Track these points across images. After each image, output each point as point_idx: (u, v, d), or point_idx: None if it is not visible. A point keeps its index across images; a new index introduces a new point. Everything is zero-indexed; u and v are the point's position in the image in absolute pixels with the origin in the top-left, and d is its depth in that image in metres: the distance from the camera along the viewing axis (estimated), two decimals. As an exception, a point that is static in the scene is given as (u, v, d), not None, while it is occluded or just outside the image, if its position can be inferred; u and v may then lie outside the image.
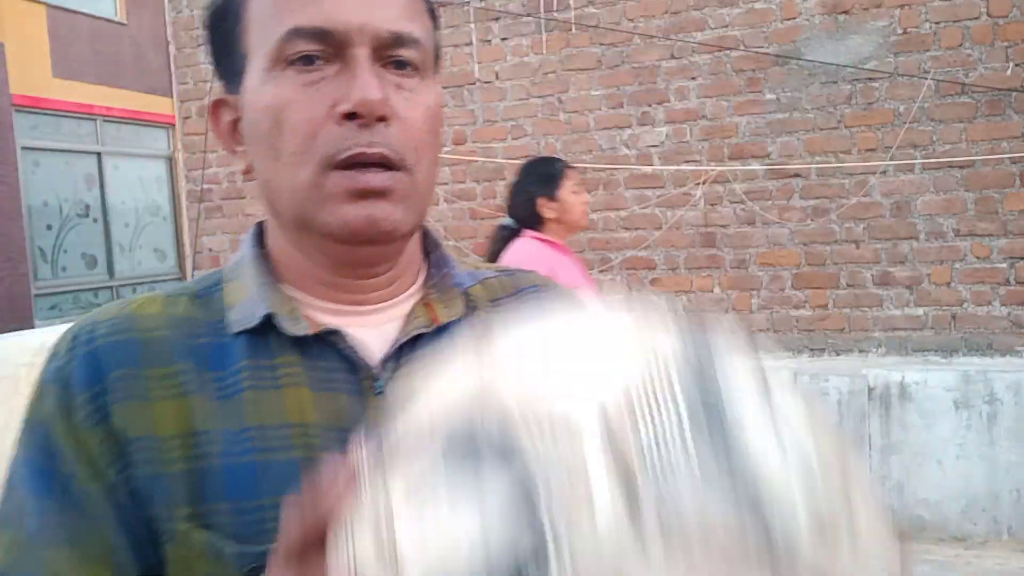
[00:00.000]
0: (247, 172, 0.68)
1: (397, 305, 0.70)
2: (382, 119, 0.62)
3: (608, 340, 0.44)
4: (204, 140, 6.00)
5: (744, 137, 4.60)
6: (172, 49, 6.09)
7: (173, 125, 6.40)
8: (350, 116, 0.61)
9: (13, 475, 0.64)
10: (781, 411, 0.43)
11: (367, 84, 0.61)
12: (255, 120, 0.65)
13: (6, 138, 8.81)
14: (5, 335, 4.76)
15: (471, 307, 0.74)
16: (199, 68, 5.98)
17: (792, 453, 0.41)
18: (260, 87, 0.64)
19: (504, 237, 2.86)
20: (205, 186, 6.05)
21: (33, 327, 7.59)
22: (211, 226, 6.07)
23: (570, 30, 4.91)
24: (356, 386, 0.65)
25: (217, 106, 0.69)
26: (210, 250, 6.09)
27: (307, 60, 0.62)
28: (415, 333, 0.68)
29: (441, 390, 0.45)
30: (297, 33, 0.62)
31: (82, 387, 0.63)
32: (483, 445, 0.40)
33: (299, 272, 0.68)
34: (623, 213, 4.85)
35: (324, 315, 0.67)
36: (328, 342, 0.66)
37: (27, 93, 9.14)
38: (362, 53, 0.62)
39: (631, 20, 4.78)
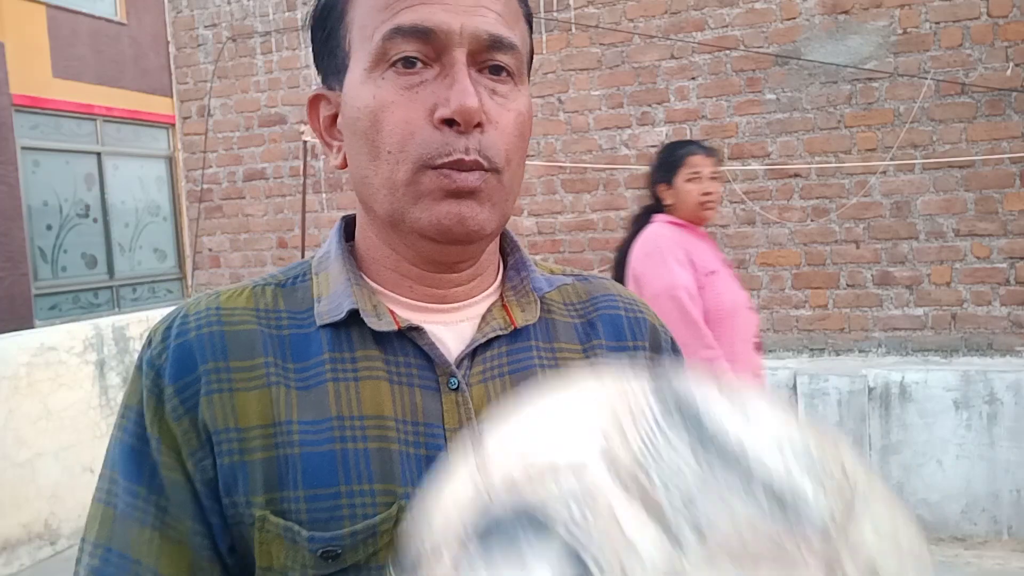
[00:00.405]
0: (343, 166, 0.70)
1: (475, 305, 0.72)
2: (478, 126, 0.64)
3: (586, 394, 0.46)
4: (204, 140, 6.00)
5: (744, 137, 4.60)
6: (172, 49, 6.09)
7: (173, 125, 6.41)
8: (448, 122, 0.63)
9: (110, 453, 0.67)
10: (760, 415, 0.44)
11: (466, 91, 0.62)
12: (355, 118, 0.67)
13: (6, 138, 8.81)
14: (5, 335, 4.76)
15: (547, 311, 0.75)
16: (199, 68, 5.98)
17: (787, 447, 0.42)
18: (361, 86, 0.66)
19: (641, 218, 2.84)
20: (205, 186, 6.05)
21: (33, 327, 7.59)
22: (211, 226, 6.07)
23: (570, 30, 4.91)
24: (433, 382, 0.68)
25: (316, 100, 0.74)
26: (210, 250, 6.09)
27: (408, 63, 0.64)
28: (492, 335, 0.70)
29: (449, 500, 0.46)
30: (399, 32, 0.63)
31: (173, 379, 0.65)
32: (509, 526, 0.41)
33: (384, 267, 0.71)
34: (623, 213, 4.85)
35: (405, 311, 0.70)
36: (408, 338, 0.68)
37: (27, 93, 9.13)
38: (461, 56, 0.63)
39: (631, 20, 4.78)
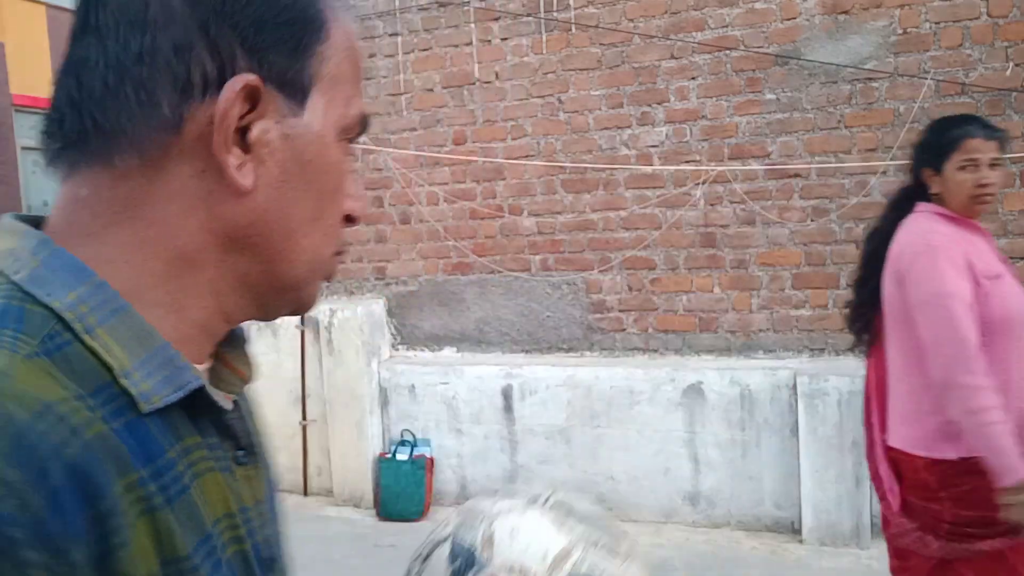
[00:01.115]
0: (250, 191, 0.54)
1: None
2: None
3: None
4: (204, 140, 6.01)
5: (744, 137, 4.60)
6: (172, 49, 6.09)
7: (173, 125, 6.43)
8: (351, 218, 0.63)
9: None
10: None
11: (364, 195, 0.61)
12: (318, 168, 0.57)
13: (6, 138, 8.81)
14: (5, 335, 4.75)
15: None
16: (199, 68, 5.99)
17: None
18: (330, 140, 0.57)
19: (900, 204, 2.41)
20: (205, 186, 6.05)
21: (33, 327, 7.57)
22: (211, 226, 6.07)
23: (570, 30, 4.91)
24: (227, 459, 0.57)
25: (254, 92, 0.53)
26: (210, 250, 6.09)
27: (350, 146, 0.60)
28: (235, 394, 0.60)
29: None
30: (365, 119, 0.60)
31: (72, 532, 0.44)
32: None
33: (181, 321, 0.54)
34: (623, 213, 4.85)
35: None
36: (214, 411, 0.56)
37: (27, 93, 9.13)
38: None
39: (631, 20, 4.78)
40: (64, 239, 0.52)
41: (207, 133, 0.52)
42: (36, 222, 0.54)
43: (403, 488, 4.91)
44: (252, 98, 0.53)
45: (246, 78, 0.52)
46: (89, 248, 0.52)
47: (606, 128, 4.86)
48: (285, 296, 0.59)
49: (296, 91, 0.55)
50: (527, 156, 5.03)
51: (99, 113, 0.51)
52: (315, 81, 0.56)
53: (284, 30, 0.54)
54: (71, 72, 0.52)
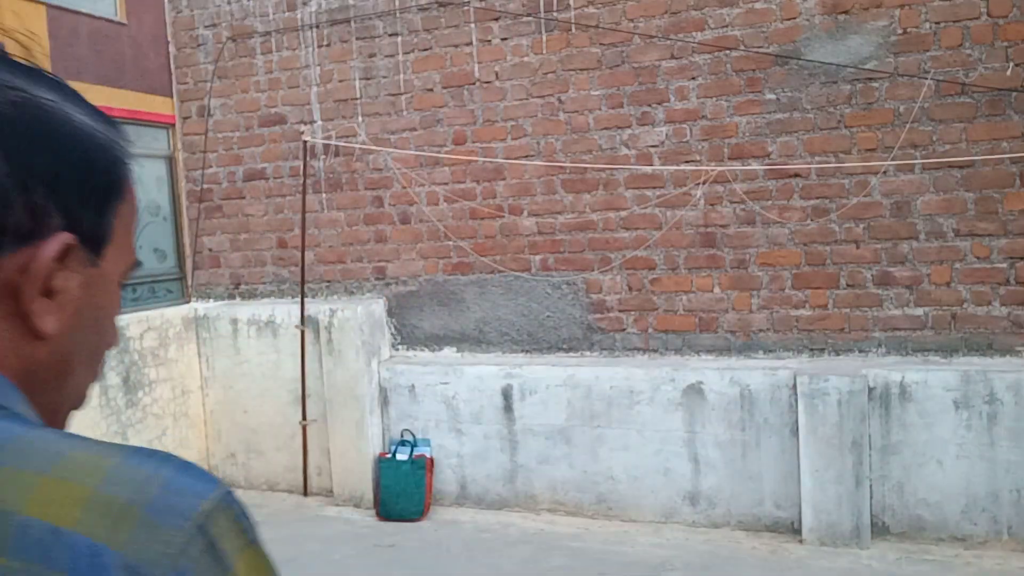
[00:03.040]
0: (46, 337, 0.57)
1: None
2: None
3: None
4: (204, 140, 6.00)
5: (744, 137, 4.60)
6: (172, 49, 6.09)
7: (173, 125, 6.40)
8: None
9: None
10: None
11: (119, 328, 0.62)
12: (104, 308, 0.63)
13: (6, 138, 8.82)
14: (5, 335, 4.76)
15: None
16: (199, 68, 5.98)
17: None
18: (114, 283, 0.64)
19: None
20: (205, 186, 6.05)
21: (33, 327, 7.59)
22: (211, 226, 6.07)
23: (570, 30, 4.91)
24: None
25: (68, 251, 0.56)
26: (210, 250, 6.09)
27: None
28: None
29: None
30: (135, 266, 0.67)
31: None
32: None
33: None
34: (623, 213, 4.85)
35: None
36: None
37: (27, 93, 9.14)
38: None
39: (631, 20, 4.78)
40: None
41: (15, 280, 0.55)
42: None
43: (403, 488, 4.91)
44: (64, 254, 0.56)
45: (64, 238, 0.56)
46: None
47: (606, 128, 4.86)
48: (63, 418, 0.62)
49: (97, 244, 0.60)
50: (527, 156, 5.03)
51: None
52: (111, 234, 0.61)
53: (95, 194, 0.59)
54: None
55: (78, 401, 0.63)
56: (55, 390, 0.60)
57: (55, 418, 0.60)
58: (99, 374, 0.65)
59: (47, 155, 0.57)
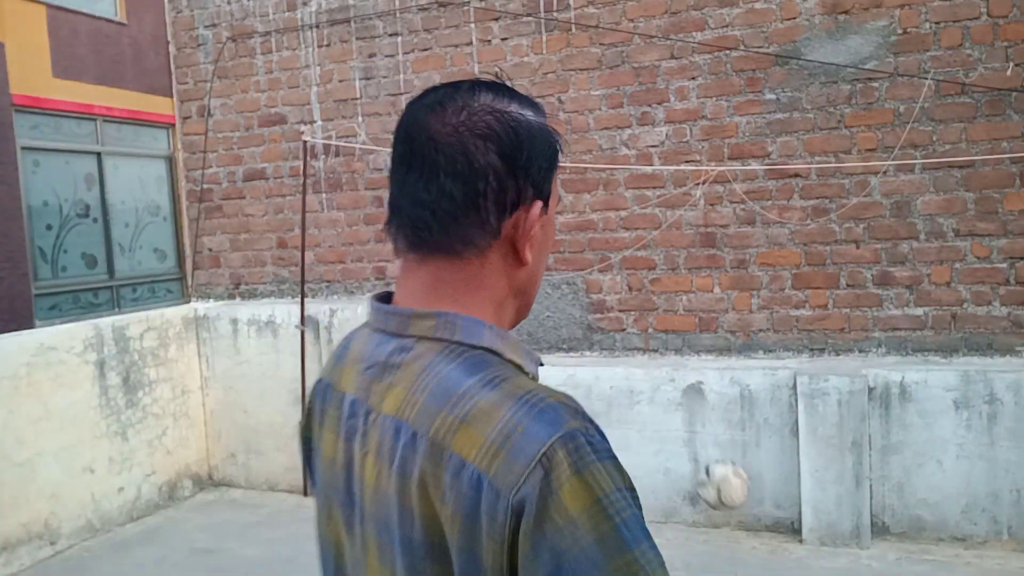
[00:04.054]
0: (526, 264, 0.90)
1: None
2: None
3: None
4: (204, 140, 6.00)
5: (744, 137, 4.60)
6: (172, 49, 6.09)
7: (173, 125, 6.40)
8: None
9: (637, 529, 0.73)
10: None
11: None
12: (548, 238, 0.94)
13: (6, 138, 8.81)
14: (5, 335, 4.76)
15: None
16: (199, 68, 5.98)
17: None
18: (552, 220, 0.94)
19: None
20: (205, 186, 6.05)
21: (33, 327, 7.59)
22: (211, 226, 6.07)
23: (570, 30, 4.91)
24: None
25: (535, 207, 0.88)
26: (210, 250, 6.09)
27: None
28: None
29: None
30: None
31: None
32: None
33: None
34: (623, 213, 4.85)
35: None
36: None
37: (27, 93, 9.13)
38: None
39: (631, 20, 4.78)
40: (440, 306, 0.86)
41: (511, 233, 0.87)
42: (386, 297, 0.93)
43: (403, 488, 4.90)
44: (535, 207, 0.88)
45: (539, 204, 0.88)
46: (462, 308, 0.86)
47: (606, 128, 4.86)
48: (526, 312, 0.96)
49: (545, 199, 0.90)
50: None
51: (453, 231, 0.85)
52: (550, 192, 0.92)
53: (549, 170, 0.91)
54: (419, 205, 0.85)
55: (527, 308, 0.96)
56: (524, 295, 0.93)
57: (520, 316, 0.94)
58: (538, 284, 0.96)
59: (523, 152, 0.87)
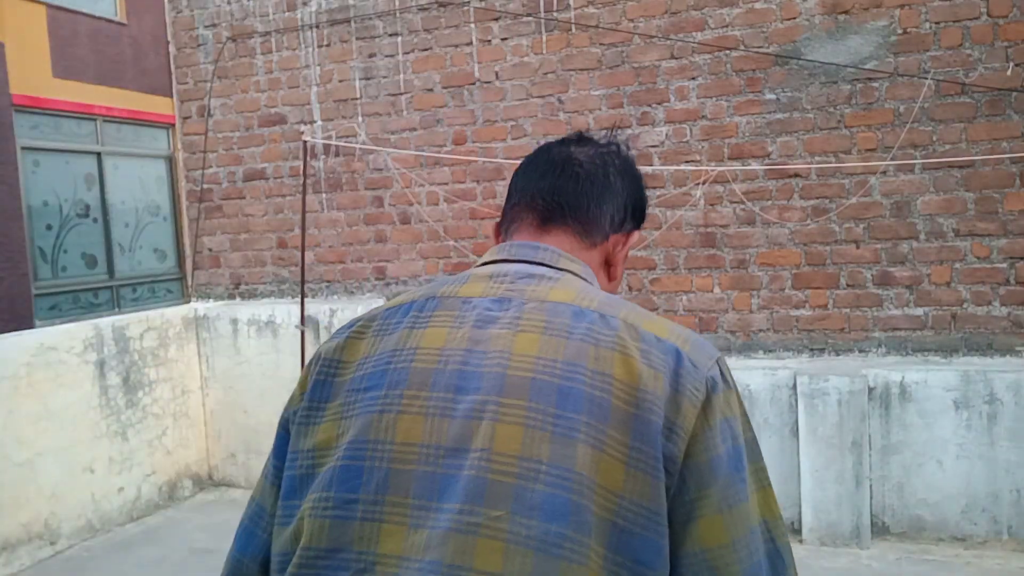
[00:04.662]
0: (613, 278, 1.10)
1: None
2: None
3: None
4: (204, 140, 6.00)
5: (744, 137, 4.60)
6: (172, 49, 6.09)
7: (173, 125, 6.40)
8: None
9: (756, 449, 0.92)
10: None
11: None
12: (625, 263, 1.13)
13: (6, 138, 8.81)
14: (5, 335, 4.76)
15: None
16: (199, 68, 5.98)
17: None
18: (627, 254, 1.13)
19: None
20: (205, 186, 6.05)
21: (33, 327, 7.59)
22: (211, 226, 6.07)
23: (570, 30, 4.91)
24: None
25: (634, 235, 1.12)
26: (210, 250, 6.09)
27: None
28: None
29: None
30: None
31: None
32: None
33: None
34: (623, 213, 4.85)
35: None
36: None
37: (27, 93, 9.13)
38: None
39: (631, 20, 4.78)
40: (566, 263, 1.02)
41: (611, 247, 1.08)
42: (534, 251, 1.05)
43: (403, 488, 4.90)
44: (629, 236, 1.11)
45: (638, 232, 1.13)
46: (579, 266, 1.03)
47: (606, 128, 4.85)
48: None
49: (634, 225, 1.12)
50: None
51: (589, 218, 1.05)
52: (632, 225, 1.12)
53: (641, 213, 1.13)
54: (556, 191, 1.05)
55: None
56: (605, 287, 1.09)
57: None
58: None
59: (635, 188, 1.11)
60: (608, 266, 1.08)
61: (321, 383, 0.94)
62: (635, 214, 1.11)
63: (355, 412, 0.89)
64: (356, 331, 0.96)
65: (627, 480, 0.79)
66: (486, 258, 1.03)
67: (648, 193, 1.14)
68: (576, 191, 1.04)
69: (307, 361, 0.94)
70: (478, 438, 0.82)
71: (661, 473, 0.79)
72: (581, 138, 1.12)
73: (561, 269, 0.99)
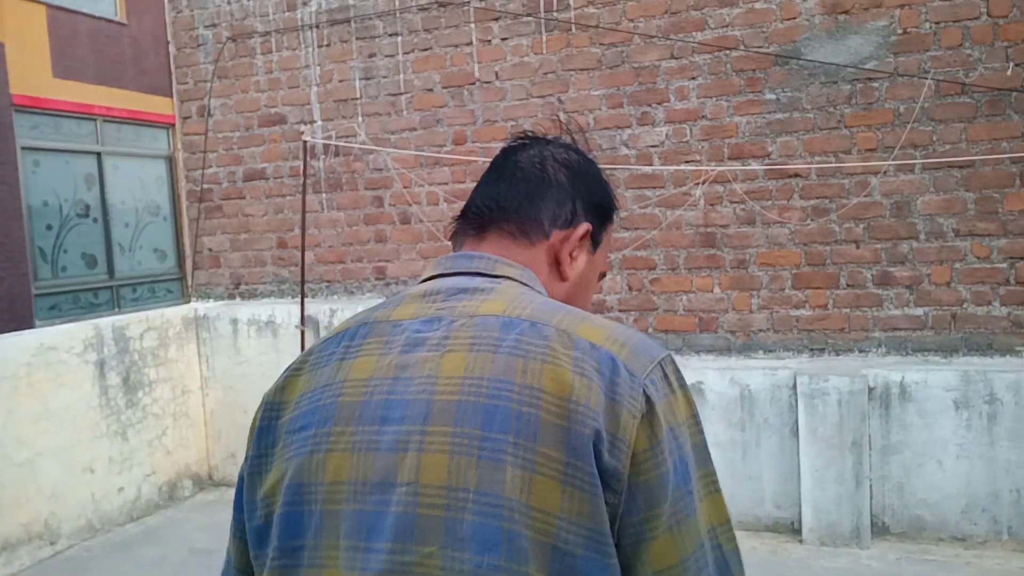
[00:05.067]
0: (565, 279, 1.03)
1: None
2: None
3: None
4: (204, 140, 6.00)
5: (744, 137, 4.60)
6: (172, 49, 6.09)
7: (173, 125, 6.40)
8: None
9: (703, 453, 0.85)
10: None
11: (602, 281, 1.12)
12: (589, 279, 1.06)
13: (6, 138, 8.81)
14: (5, 335, 4.76)
15: None
16: (199, 68, 5.98)
17: None
18: (595, 271, 1.08)
19: None
20: (205, 186, 6.05)
21: (33, 327, 7.59)
22: (211, 226, 6.07)
23: (570, 30, 4.91)
24: None
25: (587, 232, 1.03)
26: (210, 250, 6.09)
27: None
28: None
29: None
30: (604, 275, 1.16)
31: None
32: None
33: None
34: (623, 213, 4.85)
35: None
36: None
37: (27, 93, 9.13)
38: None
39: (631, 20, 4.78)
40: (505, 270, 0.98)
41: (558, 245, 1.01)
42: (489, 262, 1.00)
43: (403, 488, 4.90)
44: (583, 236, 1.02)
45: (586, 226, 1.03)
46: (518, 271, 0.98)
47: (606, 128, 4.86)
48: None
49: (594, 243, 1.05)
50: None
51: (523, 217, 1.01)
52: (601, 241, 1.07)
53: (601, 213, 1.06)
54: (491, 197, 1.02)
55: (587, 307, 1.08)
56: (564, 293, 1.03)
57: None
58: (591, 298, 1.09)
59: (587, 185, 1.05)
60: (558, 265, 1.01)
61: (265, 428, 0.91)
62: (589, 208, 1.04)
63: (291, 454, 0.86)
64: (295, 369, 0.93)
65: (564, 499, 0.75)
66: (424, 274, 1.00)
67: (612, 186, 1.11)
68: (509, 192, 1.01)
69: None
70: (404, 471, 0.78)
71: (599, 489, 0.75)
72: (527, 141, 1.09)
73: (498, 276, 0.95)
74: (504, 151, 1.08)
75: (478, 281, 0.93)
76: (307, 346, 5.33)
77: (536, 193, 1.01)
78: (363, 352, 0.88)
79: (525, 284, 0.95)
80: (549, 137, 1.10)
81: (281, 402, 0.91)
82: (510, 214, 1.00)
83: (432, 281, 0.96)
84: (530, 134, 1.11)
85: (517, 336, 0.83)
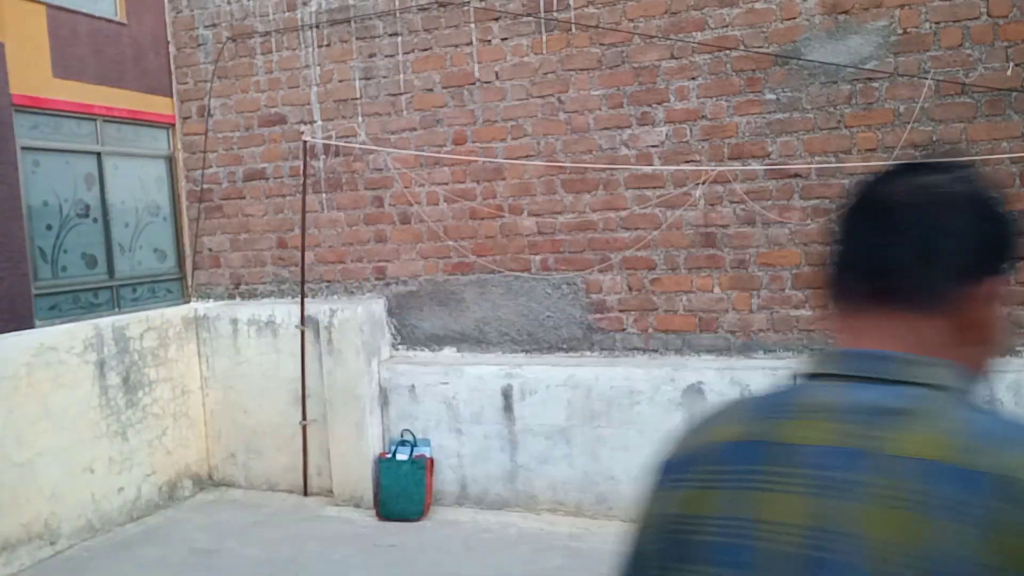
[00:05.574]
0: (977, 342, 0.92)
1: None
2: None
3: None
4: (204, 140, 6.00)
5: (744, 137, 4.60)
6: (172, 49, 6.09)
7: (173, 125, 6.40)
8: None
9: None
10: None
11: (1002, 332, 0.98)
12: (989, 324, 0.91)
13: (6, 138, 8.81)
14: (5, 335, 4.76)
15: None
16: (199, 68, 5.98)
17: None
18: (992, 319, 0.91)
19: None
20: (205, 186, 6.05)
21: (33, 327, 7.59)
22: (211, 226, 6.07)
23: (570, 30, 4.91)
24: None
25: (980, 285, 0.87)
26: (210, 250, 6.09)
27: None
28: None
29: None
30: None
31: None
32: None
33: None
34: (623, 213, 4.85)
35: None
36: None
37: (27, 93, 9.14)
38: None
39: (631, 20, 4.78)
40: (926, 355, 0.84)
41: (957, 307, 0.85)
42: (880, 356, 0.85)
43: (403, 488, 4.91)
44: (990, 293, 0.89)
45: (995, 278, 0.87)
46: (937, 370, 0.83)
47: (606, 128, 4.86)
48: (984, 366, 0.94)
49: (986, 282, 0.87)
50: (527, 156, 5.03)
51: (918, 285, 0.84)
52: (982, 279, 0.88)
53: (1002, 249, 0.88)
54: (877, 258, 0.85)
55: (985, 367, 0.95)
56: (973, 358, 0.91)
57: (978, 370, 0.92)
58: (986, 361, 0.96)
59: (985, 222, 0.88)
60: (961, 331, 0.86)
61: (679, 543, 0.84)
62: (990, 254, 0.87)
63: None
64: (691, 473, 0.90)
65: None
66: (816, 367, 0.90)
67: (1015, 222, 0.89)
68: (898, 249, 0.84)
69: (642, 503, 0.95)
70: None
71: None
72: (905, 169, 0.89)
73: (913, 384, 0.80)
74: (877, 181, 0.89)
75: (892, 398, 0.79)
76: (307, 346, 5.34)
77: (929, 248, 0.84)
78: (767, 484, 0.79)
79: (946, 388, 0.81)
80: (933, 163, 0.91)
81: (692, 516, 0.84)
82: (904, 279, 0.84)
83: (829, 384, 0.86)
84: (914, 161, 0.92)
85: (945, 494, 0.70)
